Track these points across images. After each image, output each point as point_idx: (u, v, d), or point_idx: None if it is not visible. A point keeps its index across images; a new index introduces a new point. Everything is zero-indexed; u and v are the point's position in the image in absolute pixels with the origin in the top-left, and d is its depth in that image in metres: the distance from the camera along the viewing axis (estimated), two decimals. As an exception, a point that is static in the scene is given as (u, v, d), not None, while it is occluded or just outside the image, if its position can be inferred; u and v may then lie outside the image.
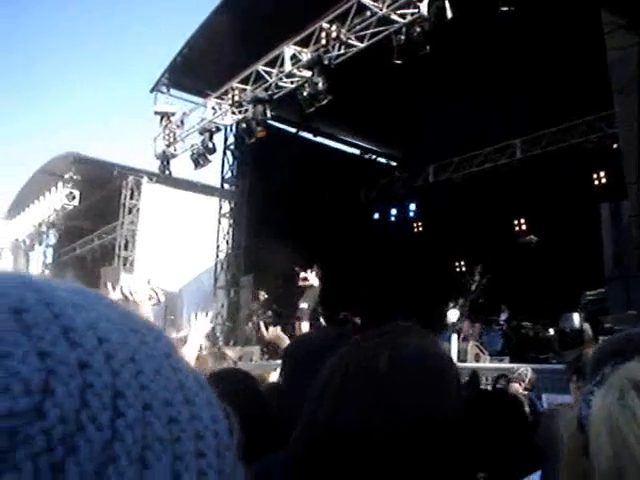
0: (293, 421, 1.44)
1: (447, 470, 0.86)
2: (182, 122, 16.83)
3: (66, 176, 20.85)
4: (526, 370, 5.56)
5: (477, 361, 9.10)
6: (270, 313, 14.46)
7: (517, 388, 5.15)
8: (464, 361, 8.63)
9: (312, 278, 11.62)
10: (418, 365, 0.90)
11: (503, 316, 14.01)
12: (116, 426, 0.28)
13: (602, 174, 14.46)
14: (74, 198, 21.03)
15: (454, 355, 8.52)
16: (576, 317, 11.36)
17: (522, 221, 17.23)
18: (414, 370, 0.89)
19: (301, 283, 11.73)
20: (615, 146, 11.51)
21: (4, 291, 0.30)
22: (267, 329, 6.52)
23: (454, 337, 9.32)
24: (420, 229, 19.72)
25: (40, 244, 24.85)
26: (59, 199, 21.50)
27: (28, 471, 0.25)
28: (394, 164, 22.07)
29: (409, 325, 0.98)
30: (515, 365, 7.27)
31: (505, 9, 9.99)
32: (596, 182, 14.70)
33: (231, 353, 5.33)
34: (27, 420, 0.26)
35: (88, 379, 0.28)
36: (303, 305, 11.41)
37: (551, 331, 12.90)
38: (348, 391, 0.88)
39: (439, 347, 0.98)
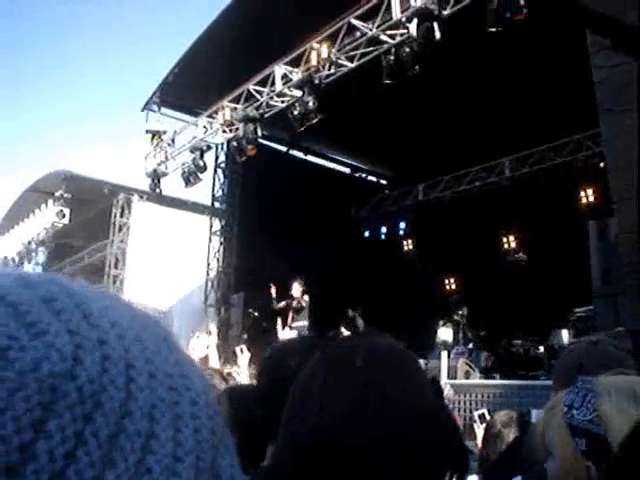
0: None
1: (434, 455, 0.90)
2: (173, 140, 16.88)
3: (56, 194, 20.82)
4: (444, 385, 5.73)
5: (467, 378, 9.12)
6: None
7: None
8: (454, 378, 8.64)
9: (302, 296, 11.66)
10: (393, 358, 0.96)
11: (492, 333, 14.07)
12: (130, 389, 0.35)
13: (589, 192, 14.62)
14: (64, 216, 20.98)
15: (444, 372, 8.55)
16: (565, 334, 11.45)
17: (511, 239, 17.36)
18: (390, 365, 0.95)
19: (295, 303, 11.78)
20: (602, 164, 11.65)
21: (34, 285, 0.37)
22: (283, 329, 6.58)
23: (444, 354, 9.34)
24: (410, 247, 19.80)
25: (29, 262, 24.69)
26: (49, 217, 21.46)
27: (67, 418, 0.32)
28: (384, 182, 22.20)
29: (373, 330, 1.04)
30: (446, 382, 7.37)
31: (493, 30, 10.15)
32: (584, 200, 14.85)
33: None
34: (64, 380, 0.33)
35: (106, 352, 0.35)
36: (303, 322, 11.44)
37: (541, 349, 12.96)
38: (332, 388, 0.90)
39: (403, 346, 1.03)
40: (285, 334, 10.21)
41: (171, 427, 0.36)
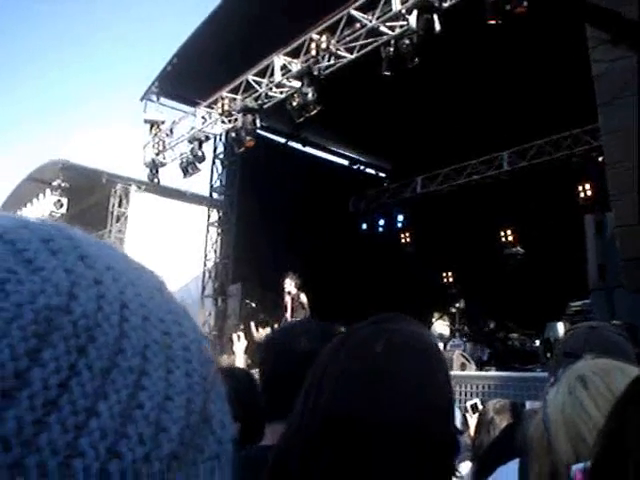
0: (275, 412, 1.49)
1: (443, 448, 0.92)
2: (171, 130, 16.84)
3: (54, 183, 20.73)
4: None
5: (463, 370, 9.14)
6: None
7: None
8: (450, 370, 8.68)
9: (297, 292, 11.61)
10: (413, 349, 0.97)
11: (489, 327, 14.11)
12: (123, 327, 0.37)
13: (587, 186, 14.63)
14: (62, 205, 20.88)
15: (440, 364, 8.57)
16: (560, 326, 11.46)
17: (508, 232, 17.38)
18: (410, 353, 0.96)
19: (291, 300, 11.72)
20: (600, 159, 11.65)
21: (33, 226, 0.39)
22: (257, 330, 6.58)
23: (440, 346, 9.38)
24: (407, 240, 19.81)
25: (27, 252, 24.54)
26: (47, 206, 21.36)
27: (61, 349, 0.33)
28: (382, 175, 22.20)
29: (399, 313, 1.03)
30: None
31: (492, 22, 10.13)
32: (582, 194, 14.87)
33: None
34: (59, 313, 0.34)
35: (101, 291, 0.37)
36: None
37: (537, 342, 12.99)
38: (347, 377, 0.92)
39: (428, 333, 1.03)
40: (261, 335, 10.07)
41: (163, 368, 0.38)
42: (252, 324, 7.08)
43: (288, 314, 11.63)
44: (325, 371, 0.95)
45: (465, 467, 3.24)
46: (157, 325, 0.39)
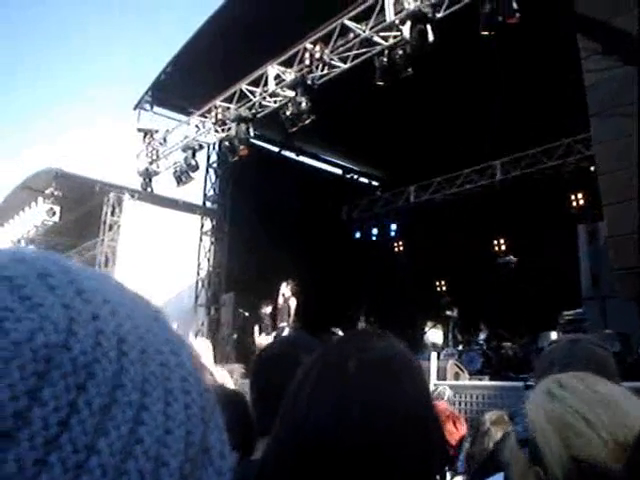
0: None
1: (417, 460, 0.92)
2: (165, 139, 16.85)
3: (47, 192, 20.66)
4: (444, 388, 5.87)
5: (456, 380, 9.13)
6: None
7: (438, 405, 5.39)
8: (443, 379, 8.66)
9: (290, 297, 11.70)
10: (384, 366, 0.97)
11: (482, 335, 14.12)
12: (122, 362, 0.37)
13: (580, 196, 14.70)
14: (54, 214, 20.81)
15: (433, 373, 8.57)
16: (554, 336, 11.47)
17: (501, 241, 17.43)
18: (380, 371, 0.96)
19: (282, 304, 11.81)
20: (592, 168, 11.71)
21: (30, 261, 0.39)
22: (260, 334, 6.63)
23: (434, 355, 9.36)
24: (401, 249, 19.84)
25: (19, 260, 24.39)
26: (39, 215, 21.28)
27: (61, 387, 0.33)
28: (376, 184, 22.24)
29: (374, 329, 1.05)
30: (437, 384, 7.41)
31: (485, 33, 10.19)
32: (574, 204, 14.93)
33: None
34: (58, 351, 0.34)
35: (99, 326, 0.37)
36: (282, 324, 11.49)
37: (531, 351, 12.99)
38: (321, 392, 0.93)
39: (403, 348, 1.03)
40: (262, 340, 10.20)
41: (162, 401, 0.38)
42: (256, 328, 7.12)
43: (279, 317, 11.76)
44: (298, 390, 0.96)
45: None
46: (155, 357, 0.39)
